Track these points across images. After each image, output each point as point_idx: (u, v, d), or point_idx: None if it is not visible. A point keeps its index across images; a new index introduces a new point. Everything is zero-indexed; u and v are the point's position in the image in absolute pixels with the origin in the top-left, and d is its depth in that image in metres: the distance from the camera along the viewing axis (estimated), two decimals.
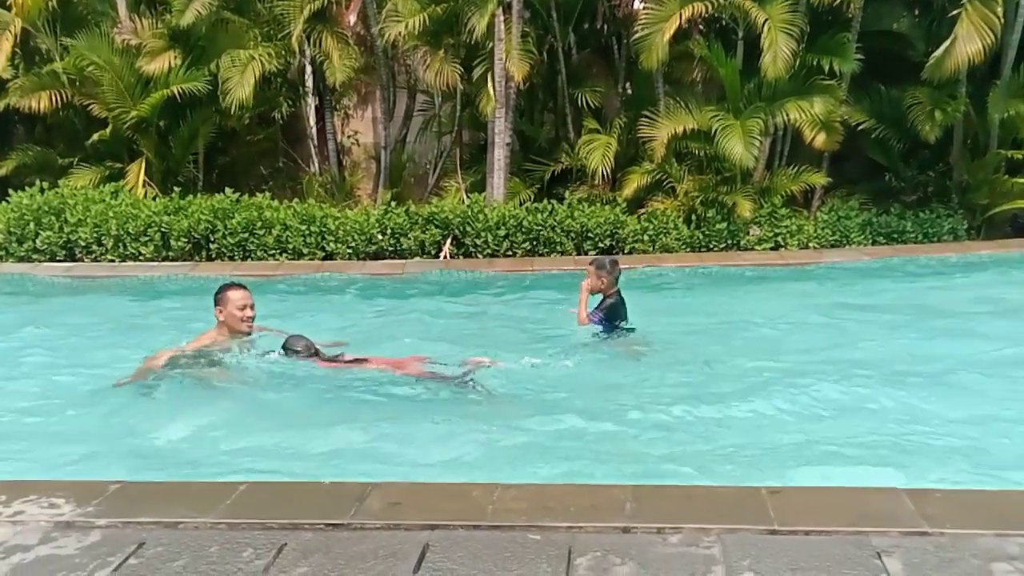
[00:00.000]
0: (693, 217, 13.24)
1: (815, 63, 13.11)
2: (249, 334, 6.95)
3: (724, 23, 14.10)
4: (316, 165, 15.09)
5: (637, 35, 13.09)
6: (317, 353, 6.81)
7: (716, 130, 12.81)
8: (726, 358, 7.43)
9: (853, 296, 10.43)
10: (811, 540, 3.59)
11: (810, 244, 13.14)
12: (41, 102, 13.71)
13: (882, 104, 13.83)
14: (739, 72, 13.11)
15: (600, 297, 7.93)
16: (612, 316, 7.81)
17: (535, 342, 8.07)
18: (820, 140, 13.15)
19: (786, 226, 13.16)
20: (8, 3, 13.78)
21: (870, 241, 13.26)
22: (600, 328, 7.79)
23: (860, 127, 13.65)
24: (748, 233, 13.07)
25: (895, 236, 13.32)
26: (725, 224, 13.05)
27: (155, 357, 6.75)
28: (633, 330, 7.85)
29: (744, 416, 6.02)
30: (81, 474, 4.87)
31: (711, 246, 13.09)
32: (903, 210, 13.64)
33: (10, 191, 13.28)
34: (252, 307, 6.91)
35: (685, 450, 5.42)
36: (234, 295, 6.89)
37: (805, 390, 6.46)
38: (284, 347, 6.78)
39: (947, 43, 12.38)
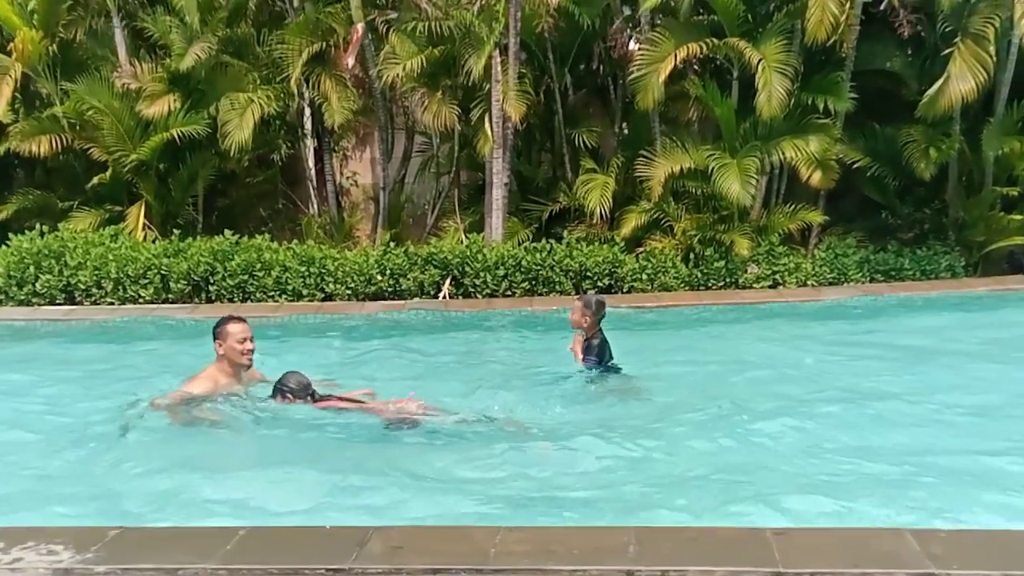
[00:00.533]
0: (691, 255, 13.27)
1: (810, 102, 13.20)
2: (250, 367, 6.93)
3: (719, 63, 14.22)
4: (315, 206, 15.13)
5: (633, 75, 13.21)
6: (311, 392, 6.78)
7: (713, 169, 12.88)
8: (725, 397, 7.41)
9: (852, 333, 10.45)
10: None
11: (808, 282, 13.16)
12: (41, 146, 13.78)
13: (877, 142, 13.91)
14: (735, 111, 13.20)
15: (582, 336, 7.90)
16: (600, 355, 7.79)
17: (533, 382, 8.04)
18: (816, 178, 13.21)
19: (784, 264, 13.19)
20: (8, 48, 13.88)
21: (868, 279, 13.28)
22: (593, 369, 7.76)
23: (855, 165, 13.71)
24: (746, 271, 13.10)
25: (893, 273, 13.35)
26: (723, 262, 13.07)
27: (164, 398, 6.72)
28: (620, 369, 7.82)
29: (745, 454, 6.00)
30: (80, 520, 4.83)
31: (709, 284, 13.11)
32: (900, 247, 13.68)
33: (10, 235, 13.32)
34: (251, 339, 6.90)
35: (685, 490, 5.38)
36: (233, 328, 6.87)
37: (806, 428, 6.46)
38: (279, 383, 6.76)
39: (940, 81, 12.51)
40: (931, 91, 12.61)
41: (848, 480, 5.50)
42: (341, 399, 6.83)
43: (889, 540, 3.97)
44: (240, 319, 7.05)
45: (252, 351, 6.89)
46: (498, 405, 7.03)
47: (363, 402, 6.86)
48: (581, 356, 7.82)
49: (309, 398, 6.74)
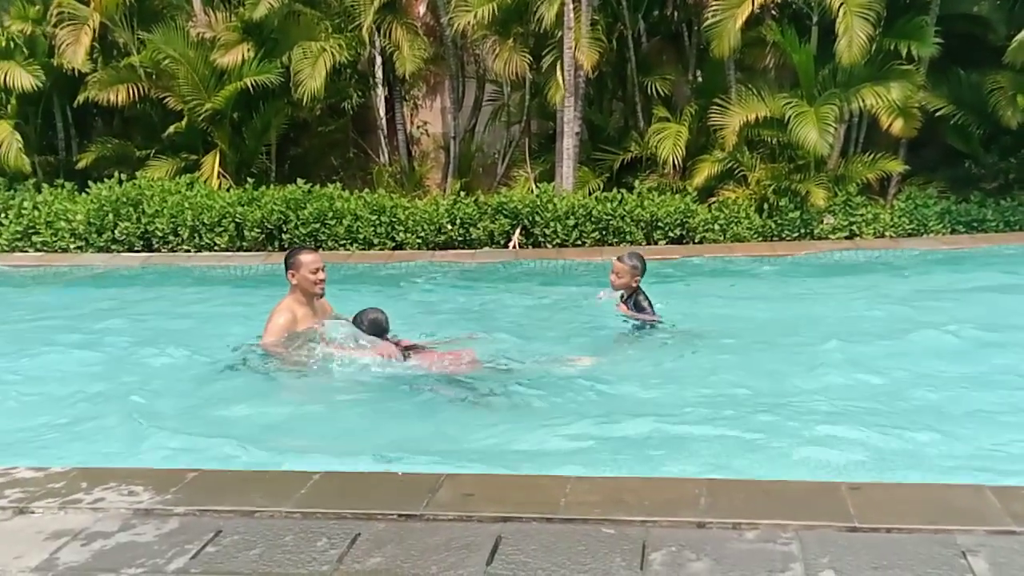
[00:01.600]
0: (765, 206, 13.03)
1: (892, 48, 12.79)
2: (322, 296, 7.02)
3: (797, 8, 13.83)
4: (386, 156, 15.17)
5: (708, 22, 12.92)
6: (385, 330, 6.80)
7: (789, 117, 12.58)
8: (795, 349, 7.31)
9: (931, 286, 10.20)
10: (893, 538, 3.50)
11: (886, 233, 12.85)
12: (119, 95, 14.00)
13: (961, 89, 13.46)
14: (813, 58, 12.85)
15: (620, 294, 7.76)
16: (653, 310, 7.68)
17: (596, 337, 7.95)
18: (897, 126, 12.84)
19: (861, 215, 12.90)
20: None
21: (949, 230, 12.92)
22: (646, 323, 7.66)
23: (938, 113, 13.29)
24: (822, 222, 12.84)
25: (975, 225, 12.96)
26: (798, 213, 12.82)
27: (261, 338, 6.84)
28: (661, 323, 7.72)
29: (818, 408, 5.90)
30: (159, 462, 4.95)
31: (783, 235, 12.88)
32: (983, 198, 13.26)
33: (90, 183, 13.59)
34: (323, 270, 6.98)
35: (756, 444, 5.32)
36: (306, 258, 6.94)
37: (880, 383, 6.34)
38: (356, 317, 6.84)
39: None
40: (1020, 36, 12.10)
41: (924, 436, 5.38)
42: (408, 349, 6.82)
43: (968, 496, 3.89)
44: (312, 249, 7.18)
45: (324, 281, 6.98)
46: (562, 356, 7.01)
47: (424, 349, 6.85)
48: (635, 313, 7.65)
49: (383, 336, 6.75)
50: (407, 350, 6.81)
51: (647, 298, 7.69)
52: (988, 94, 12.93)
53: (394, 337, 6.91)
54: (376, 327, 6.80)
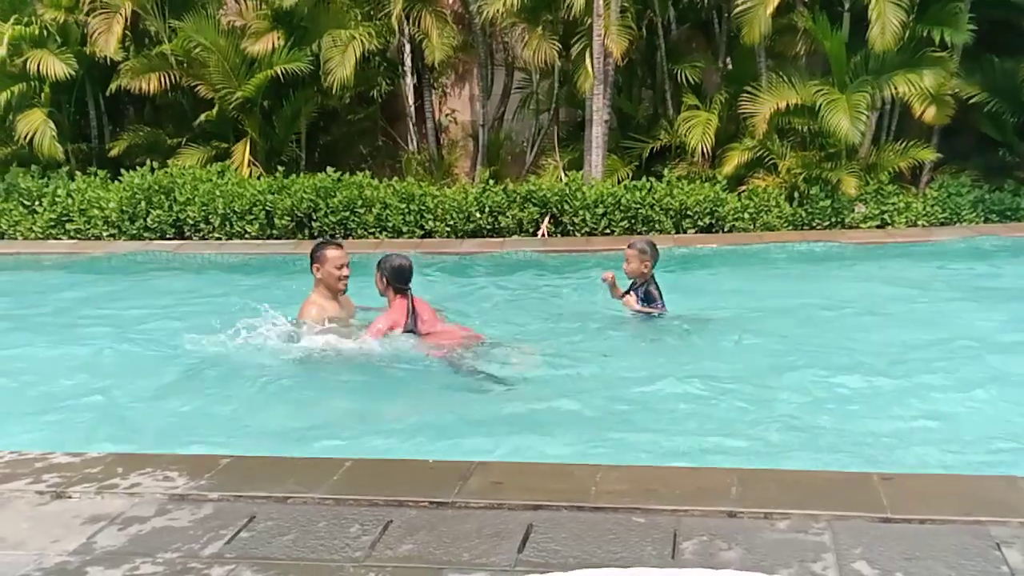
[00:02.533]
0: (795, 195, 12.93)
1: (925, 34, 12.63)
2: (343, 291, 7.06)
3: None
4: (415, 144, 15.21)
5: (738, 8, 12.81)
6: (407, 278, 6.80)
7: (820, 105, 12.48)
8: (825, 339, 7.28)
9: (963, 275, 10.11)
10: (926, 529, 3.50)
11: (919, 222, 12.72)
12: (151, 83, 14.11)
13: (995, 76, 13.29)
14: (845, 45, 12.73)
15: (632, 282, 7.68)
16: (662, 300, 7.63)
17: (620, 330, 7.91)
18: (930, 114, 12.72)
19: (893, 203, 12.78)
20: None
21: (982, 219, 12.77)
22: (655, 312, 7.60)
23: (972, 100, 13.13)
24: (853, 211, 12.74)
25: (1009, 214, 12.80)
26: (829, 202, 12.72)
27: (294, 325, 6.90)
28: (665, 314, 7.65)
29: (847, 398, 5.88)
30: (194, 447, 5.01)
31: (814, 224, 12.77)
32: (1017, 187, 13.10)
33: (122, 171, 13.71)
34: (348, 267, 7.03)
35: (787, 433, 5.31)
36: (332, 253, 6.99)
37: (909, 374, 6.29)
38: (380, 260, 6.90)
39: None
40: None
41: (954, 426, 5.36)
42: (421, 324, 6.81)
43: (1001, 488, 3.88)
44: (338, 244, 7.23)
45: (347, 277, 7.03)
46: (581, 346, 7.01)
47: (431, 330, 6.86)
48: (641, 306, 7.57)
49: (403, 291, 6.77)
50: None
51: (658, 288, 7.62)
52: (1022, 81, 12.75)
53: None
54: (398, 274, 6.79)
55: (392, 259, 6.89)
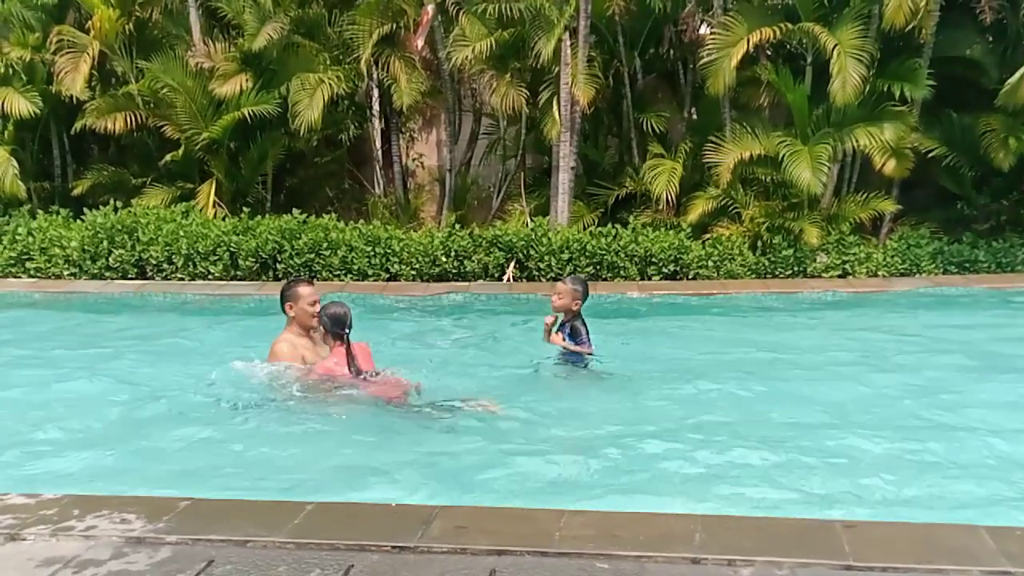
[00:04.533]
0: (759, 243, 13.09)
1: (885, 89, 12.90)
2: (318, 328, 7.01)
3: (792, 48, 14.00)
4: (381, 187, 15.24)
5: (704, 60, 13.04)
6: (345, 325, 6.72)
7: (783, 156, 12.66)
8: (787, 387, 7.33)
9: (924, 327, 10.23)
10: None
11: (879, 272, 12.90)
12: (116, 123, 14.05)
13: (954, 131, 13.56)
14: (807, 98, 12.97)
15: (557, 319, 7.63)
16: (586, 337, 7.60)
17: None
18: (890, 167, 12.93)
19: (854, 254, 12.95)
20: (87, 26, 14.17)
21: (941, 270, 12.97)
22: (582, 356, 7.55)
23: (931, 154, 13.36)
24: (815, 260, 12.89)
25: (967, 266, 13.02)
26: (791, 251, 12.88)
27: (261, 366, 6.86)
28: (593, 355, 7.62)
29: (810, 446, 5.89)
30: (151, 491, 4.92)
31: (777, 273, 12.92)
32: (975, 239, 13.34)
33: (85, 210, 13.60)
34: (320, 302, 7.02)
35: (751, 479, 5.32)
36: (304, 291, 7.00)
37: (871, 423, 6.33)
38: (320, 310, 6.87)
39: (1023, 70, 12.13)
40: (1012, 79, 12.19)
41: (916, 474, 5.38)
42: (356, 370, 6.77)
43: (963, 536, 3.89)
44: (309, 281, 7.25)
45: (319, 314, 6.99)
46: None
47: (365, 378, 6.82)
48: (568, 342, 7.51)
49: (341, 337, 6.73)
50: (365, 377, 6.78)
51: (585, 325, 7.62)
52: (980, 136, 13.03)
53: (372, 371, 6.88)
54: (335, 321, 6.76)
55: (329, 307, 6.86)
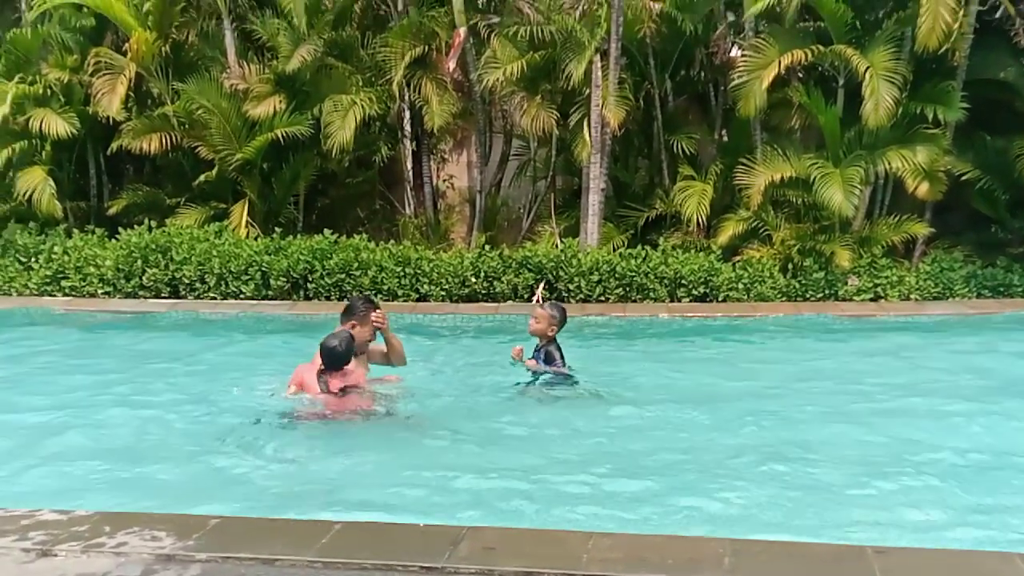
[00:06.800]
0: (789, 266, 13.03)
1: (918, 111, 12.85)
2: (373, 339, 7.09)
3: (824, 71, 13.96)
4: (412, 208, 15.32)
5: (735, 82, 13.06)
6: (340, 358, 6.72)
7: (815, 178, 12.63)
8: (817, 411, 7.27)
9: (955, 350, 10.11)
10: None
11: (911, 296, 12.79)
12: (152, 144, 14.26)
13: (987, 154, 13.48)
14: (839, 120, 12.93)
15: (535, 347, 7.66)
16: (561, 361, 7.61)
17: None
18: (923, 190, 12.86)
19: (886, 277, 12.85)
20: (124, 48, 14.38)
21: (975, 294, 12.83)
22: (560, 377, 7.56)
23: (964, 177, 13.29)
24: (846, 283, 12.80)
25: (1001, 290, 12.87)
26: (823, 274, 12.80)
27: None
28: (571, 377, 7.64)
29: (839, 470, 5.83)
30: (180, 508, 4.95)
31: (807, 296, 12.84)
32: (1010, 263, 13.20)
33: (120, 229, 13.76)
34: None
35: (779, 504, 5.27)
36: (374, 316, 7.01)
37: (904, 447, 6.27)
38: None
39: None
40: None
41: (949, 500, 5.32)
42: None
43: (996, 563, 3.84)
44: (377, 306, 7.23)
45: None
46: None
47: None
48: (541, 365, 7.54)
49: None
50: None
51: (559, 349, 7.65)
52: (1014, 159, 12.95)
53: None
54: (331, 356, 6.67)
55: (328, 339, 6.73)
